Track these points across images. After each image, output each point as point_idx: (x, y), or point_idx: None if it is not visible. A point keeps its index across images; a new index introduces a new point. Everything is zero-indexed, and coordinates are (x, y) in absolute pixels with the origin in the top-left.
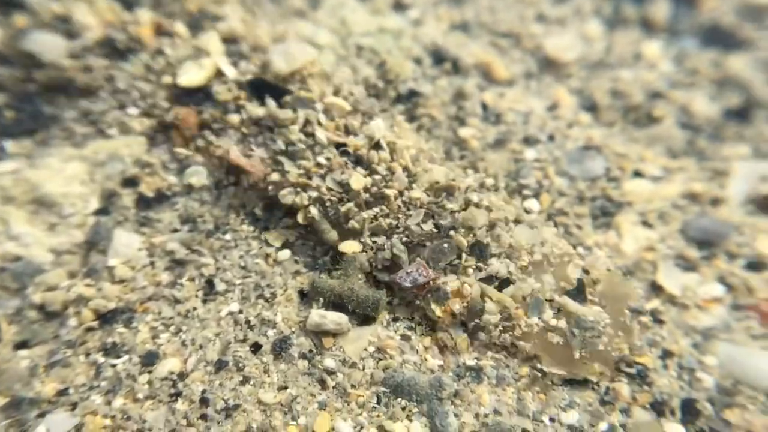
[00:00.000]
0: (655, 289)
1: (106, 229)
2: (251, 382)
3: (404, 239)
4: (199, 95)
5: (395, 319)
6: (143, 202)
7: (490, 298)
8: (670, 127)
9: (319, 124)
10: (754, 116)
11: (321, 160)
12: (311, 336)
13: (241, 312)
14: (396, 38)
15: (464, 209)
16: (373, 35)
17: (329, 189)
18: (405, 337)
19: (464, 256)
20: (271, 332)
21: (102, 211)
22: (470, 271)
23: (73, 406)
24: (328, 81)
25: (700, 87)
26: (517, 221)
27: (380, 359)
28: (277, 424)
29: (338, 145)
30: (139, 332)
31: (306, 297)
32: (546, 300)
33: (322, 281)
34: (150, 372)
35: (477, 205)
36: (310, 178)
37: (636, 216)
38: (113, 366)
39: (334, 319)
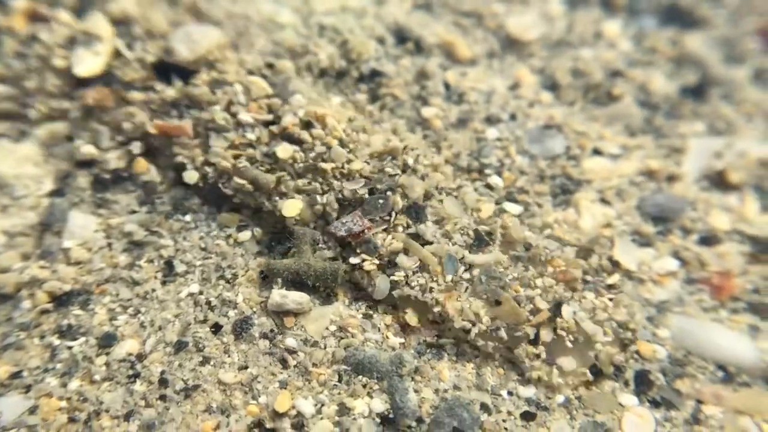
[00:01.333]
0: (613, 264)
1: (60, 210)
2: (211, 363)
3: (339, 197)
4: (100, 82)
5: (357, 299)
6: (99, 184)
7: (411, 250)
8: (628, 106)
9: (242, 104)
10: (710, 94)
11: (251, 136)
12: (272, 316)
13: (201, 293)
14: (358, 17)
15: (404, 172)
16: (335, 14)
17: (257, 160)
18: (367, 316)
19: (396, 214)
20: (232, 313)
21: (57, 193)
22: (400, 228)
23: (27, 388)
24: (242, 61)
25: (658, 65)
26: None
27: (342, 338)
28: (237, 403)
29: (267, 123)
30: (96, 314)
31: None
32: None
33: (276, 262)
34: (107, 354)
35: (414, 170)
36: (237, 149)
37: (594, 193)
38: (69, 348)
39: (296, 298)
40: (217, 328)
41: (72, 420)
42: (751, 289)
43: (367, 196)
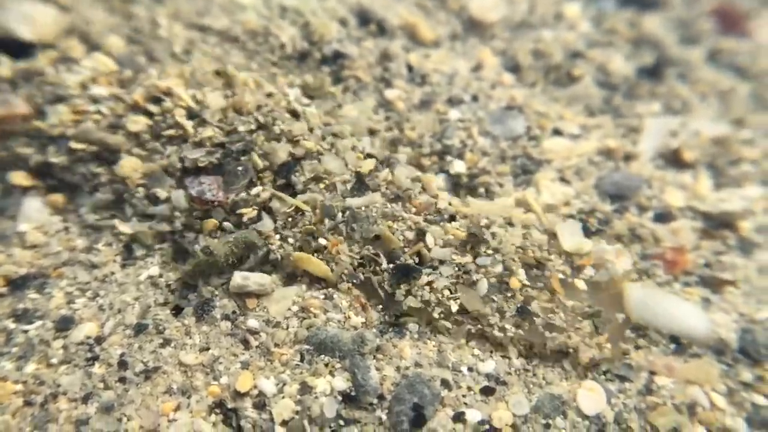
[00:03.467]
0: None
1: (15, 194)
2: (172, 345)
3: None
4: None
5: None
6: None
7: (280, 199)
8: (588, 86)
9: (93, 80)
10: (666, 74)
11: (103, 109)
12: (234, 298)
13: (161, 276)
14: None
15: (259, 128)
16: None
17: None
18: (328, 296)
19: (259, 173)
20: (192, 295)
21: None
22: (267, 181)
23: None
24: (87, 38)
25: (617, 46)
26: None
27: (304, 318)
28: (198, 384)
29: (117, 98)
30: (53, 297)
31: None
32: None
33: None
34: (65, 337)
35: (267, 127)
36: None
37: (554, 173)
38: (25, 332)
39: (257, 280)
40: (178, 311)
41: (28, 403)
42: (703, 263)
43: (222, 161)
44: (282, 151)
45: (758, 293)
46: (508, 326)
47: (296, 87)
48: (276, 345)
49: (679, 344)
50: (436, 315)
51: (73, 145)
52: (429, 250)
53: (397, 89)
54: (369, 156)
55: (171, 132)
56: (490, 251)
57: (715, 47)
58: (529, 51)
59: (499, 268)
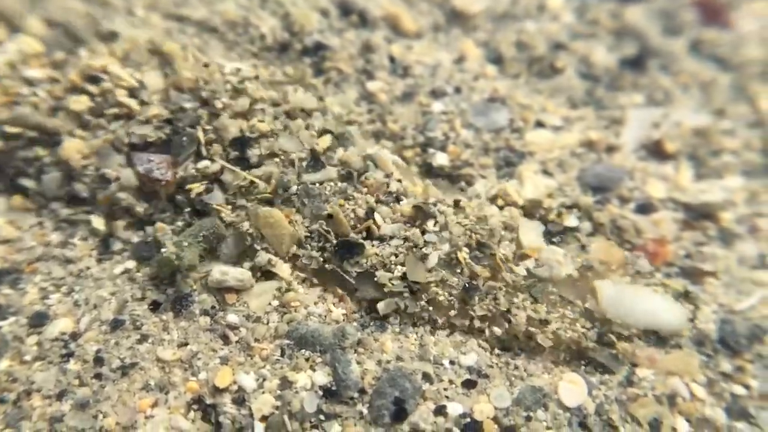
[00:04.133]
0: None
1: None
2: (149, 340)
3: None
4: None
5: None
6: None
7: (232, 172)
8: (571, 78)
9: (24, 63)
10: (648, 65)
11: (41, 93)
12: (213, 293)
13: (138, 270)
14: None
15: (203, 104)
16: None
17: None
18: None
19: (207, 147)
20: (171, 290)
21: None
22: (216, 155)
23: None
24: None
25: (600, 38)
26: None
27: (285, 313)
28: (176, 380)
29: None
30: (26, 293)
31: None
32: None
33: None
34: (39, 333)
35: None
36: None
37: (537, 165)
38: None
39: (236, 275)
40: (155, 306)
41: (1, 401)
42: (684, 254)
43: (171, 136)
44: (233, 127)
45: (738, 284)
46: (456, 302)
47: (245, 62)
48: (256, 340)
49: (659, 335)
50: (385, 281)
51: (9, 129)
52: (378, 227)
53: (379, 81)
54: (325, 131)
55: (115, 110)
56: (437, 228)
57: (697, 38)
58: (512, 42)
59: (446, 246)
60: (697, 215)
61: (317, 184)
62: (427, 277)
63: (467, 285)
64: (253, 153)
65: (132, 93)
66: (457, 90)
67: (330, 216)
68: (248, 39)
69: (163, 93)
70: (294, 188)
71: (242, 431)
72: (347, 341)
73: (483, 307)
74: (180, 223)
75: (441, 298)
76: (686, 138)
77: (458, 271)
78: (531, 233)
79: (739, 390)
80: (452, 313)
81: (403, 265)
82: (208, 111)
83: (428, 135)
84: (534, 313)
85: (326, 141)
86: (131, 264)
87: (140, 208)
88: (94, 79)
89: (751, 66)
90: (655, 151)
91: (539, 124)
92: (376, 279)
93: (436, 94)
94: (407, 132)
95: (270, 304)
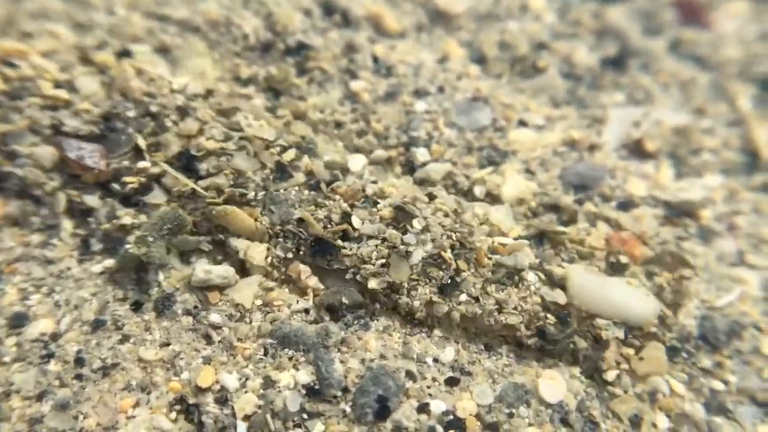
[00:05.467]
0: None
1: None
2: (131, 341)
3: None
4: None
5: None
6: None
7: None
8: (553, 77)
9: None
10: (629, 64)
11: None
12: (196, 292)
13: (117, 272)
14: None
15: (148, 116)
16: None
17: None
18: (293, 290)
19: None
20: (153, 291)
21: None
22: (159, 159)
23: None
24: None
25: (581, 37)
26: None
27: (268, 312)
28: (158, 380)
29: None
30: (6, 294)
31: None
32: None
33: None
34: (18, 334)
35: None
36: None
37: (520, 164)
38: None
39: (220, 273)
40: (137, 306)
41: None
42: (663, 251)
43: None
44: (175, 146)
45: (717, 280)
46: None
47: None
48: (239, 339)
49: (628, 328)
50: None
51: None
52: (355, 229)
53: (362, 81)
54: (287, 148)
55: (37, 101)
56: (418, 226)
57: (677, 38)
58: (494, 42)
59: (429, 246)
60: (677, 213)
61: (282, 191)
62: (410, 275)
63: (448, 281)
64: (202, 167)
65: (59, 86)
66: (440, 89)
67: (301, 220)
68: (231, 39)
69: (101, 95)
70: (253, 194)
71: (225, 431)
72: (330, 340)
73: (462, 303)
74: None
75: (421, 295)
76: (666, 137)
77: (442, 267)
78: (506, 221)
79: (717, 385)
80: (432, 310)
81: (384, 264)
82: (155, 123)
83: (412, 134)
84: (505, 303)
85: (290, 154)
86: (110, 262)
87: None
88: (10, 64)
89: (730, 65)
90: (636, 150)
91: (522, 123)
92: (355, 276)
93: (420, 93)
94: (390, 131)
95: (253, 303)
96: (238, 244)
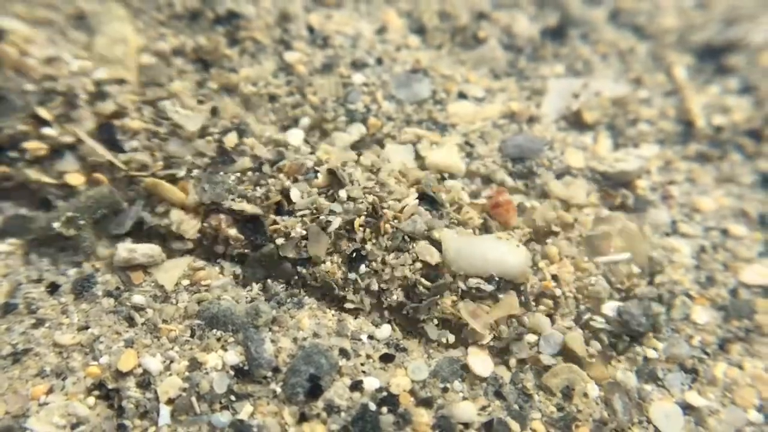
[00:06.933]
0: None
1: None
2: (46, 325)
3: None
4: None
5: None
6: None
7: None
8: (493, 48)
9: None
10: (569, 35)
11: None
12: (119, 272)
13: (28, 253)
14: None
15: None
16: None
17: None
18: (221, 268)
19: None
20: (71, 271)
21: None
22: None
23: None
24: None
25: (522, 7)
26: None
27: (195, 292)
28: (75, 365)
29: None
30: None
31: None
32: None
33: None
34: None
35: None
36: None
37: (459, 137)
38: None
39: (146, 251)
40: (53, 288)
41: None
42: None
43: None
44: (90, 122)
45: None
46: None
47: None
48: (164, 321)
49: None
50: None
51: None
52: (293, 204)
53: (297, 52)
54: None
55: None
56: (344, 195)
57: (617, 7)
58: (434, 12)
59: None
60: (614, 184)
61: (221, 174)
62: (327, 248)
63: (355, 253)
64: (127, 144)
65: None
66: (379, 61)
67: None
68: (154, 6)
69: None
70: (184, 173)
71: (147, 415)
72: (261, 319)
73: (369, 277)
74: None
75: (333, 267)
76: (605, 108)
77: (352, 238)
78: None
79: (650, 353)
80: (342, 282)
81: (305, 237)
82: (65, 100)
83: (349, 107)
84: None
85: (233, 139)
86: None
87: None
88: None
89: (668, 35)
90: (575, 121)
91: (462, 96)
92: (276, 248)
93: (357, 65)
94: (327, 104)
95: (179, 283)
96: (172, 216)
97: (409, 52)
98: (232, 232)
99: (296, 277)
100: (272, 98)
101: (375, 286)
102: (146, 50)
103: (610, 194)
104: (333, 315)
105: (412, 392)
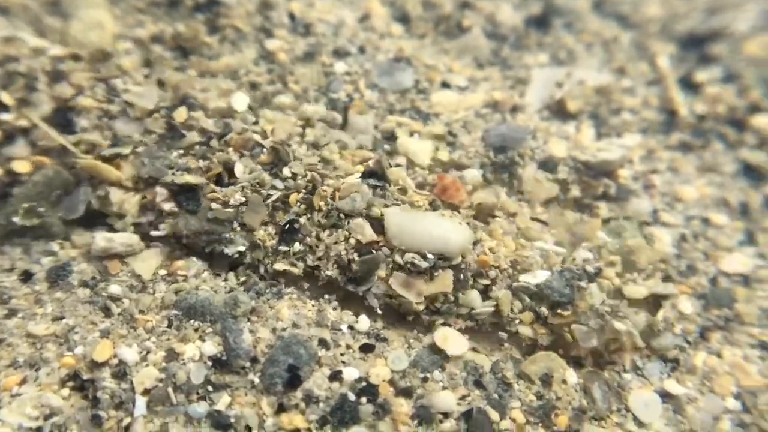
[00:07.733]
0: None
1: None
2: (19, 315)
3: None
4: None
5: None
6: None
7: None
8: (477, 37)
9: None
10: (553, 23)
11: None
12: (95, 262)
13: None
14: None
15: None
16: None
17: None
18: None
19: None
20: (46, 260)
21: None
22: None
23: None
24: None
25: None
26: None
27: (172, 282)
28: (49, 356)
29: None
30: None
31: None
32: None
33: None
34: None
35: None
36: None
37: (442, 126)
38: None
39: (124, 240)
40: (27, 277)
41: None
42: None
43: None
44: (46, 105)
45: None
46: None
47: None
48: (141, 311)
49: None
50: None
51: None
52: (235, 178)
53: (278, 40)
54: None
55: None
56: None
57: None
58: (418, 1)
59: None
60: (597, 173)
61: (164, 149)
62: (262, 219)
63: (288, 226)
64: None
65: None
66: (362, 50)
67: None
68: None
69: None
70: (128, 150)
71: (122, 406)
72: (239, 310)
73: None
74: None
75: (265, 236)
76: (588, 97)
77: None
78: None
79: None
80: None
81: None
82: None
83: (331, 96)
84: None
85: (182, 114)
86: None
87: None
88: None
89: (651, 24)
90: (558, 110)
91: (445, 85)
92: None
93: (340, 53)
94: (309, 93)
95: (156, 273)
96: (112, 196)
97: (392, 40)
98: (168, 206)
99: None
100: (253, 86)
101: (310, 261)
102: (123, 37)
103: (591, 184)
104: (313, 305)
105: (391, 382)
